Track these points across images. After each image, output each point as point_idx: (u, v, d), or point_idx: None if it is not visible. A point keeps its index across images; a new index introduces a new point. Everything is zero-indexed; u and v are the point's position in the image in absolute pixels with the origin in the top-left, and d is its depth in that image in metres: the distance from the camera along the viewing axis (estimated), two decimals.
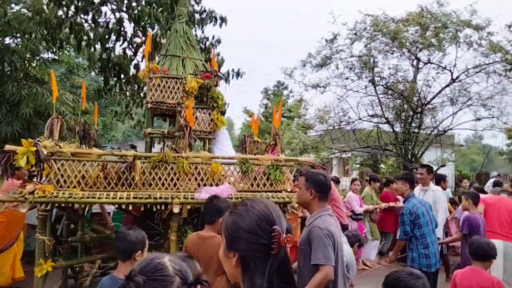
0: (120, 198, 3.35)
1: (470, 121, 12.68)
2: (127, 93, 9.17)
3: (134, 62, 8.29)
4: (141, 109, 8.85)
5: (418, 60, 12.32)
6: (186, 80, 4.14)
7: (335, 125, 12.95)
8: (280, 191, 3.88)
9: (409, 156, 12.35)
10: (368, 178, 8.27)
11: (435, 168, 13.14)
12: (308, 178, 2.65)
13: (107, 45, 7.95)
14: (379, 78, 12.41)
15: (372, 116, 13.08)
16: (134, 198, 3.37)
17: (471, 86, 12.30)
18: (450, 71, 11.95)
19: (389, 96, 12.83)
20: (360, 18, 11.74)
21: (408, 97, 12.11)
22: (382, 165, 14.09)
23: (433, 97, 12.38)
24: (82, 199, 3.27)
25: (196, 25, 8.22)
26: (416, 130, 12.42)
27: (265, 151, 4.41)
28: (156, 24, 7.67)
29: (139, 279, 1.06)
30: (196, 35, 8.08)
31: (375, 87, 12.38)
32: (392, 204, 7.27)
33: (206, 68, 4.61)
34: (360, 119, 12.99)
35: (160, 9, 7.75)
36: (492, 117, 12.39)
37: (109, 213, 5.94)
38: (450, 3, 11.56)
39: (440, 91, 12.25)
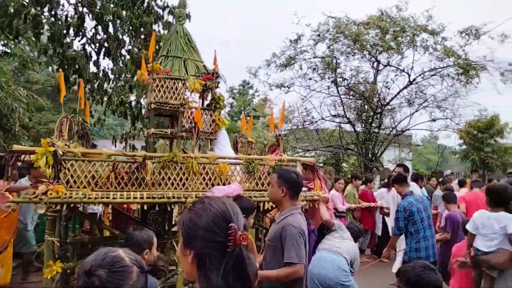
0: (134, 197, 3.36)
1: (426, 122, 13.32)
2: (86, 90, 8.81)
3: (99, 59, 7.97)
4: (101, 107, 8.54)
5: (378, 62, 12.75)
6: (188, 82, 4.18)
7: (298, 124, 13.14)
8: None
9: (370, 155, 12.76)
10: (349, 176, 8.57)
11: (393, 167, 13.69)
12: (280, 175, 2.67)
13: (65, 41, 7.59)
14: (341, 79, 12.73)
15: (335, 116, 13.39)
16: (147, 198, 3.39)
17: (427, 88, 12.93)
18: (408, 73, 12.47)
19: (351, 97, 13.19)
20: (323, 20, 12.00)
21: (368, 98, 12.51)
22: (344, 164, 14.46)
23: (392, 99, 12.86)
24: (96, 199, 3.26)
25: (159, 22, 8.03)
26: (376, 130, 12.86)
27: (268, 152, 4.48)
28: (118, 20, 7.43)
29: (101, 273, 1.07)
30: (158, 31, 7.92)
31: (337, 87, 12.68)
32: (373, 204, 7.56)
33: (206, 69, 4.65)
34: (323, 119, 13.28)
35: (121, 3, 7.50)
36: (446, 118, 13.08)
37: (96, 213, 5.85)
38: (408, 8, 12.06)
39: (398, 93, 12.75)
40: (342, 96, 12.97)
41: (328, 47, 11.96)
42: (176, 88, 4.19)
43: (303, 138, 14.04)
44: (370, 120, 12.88)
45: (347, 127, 13.63)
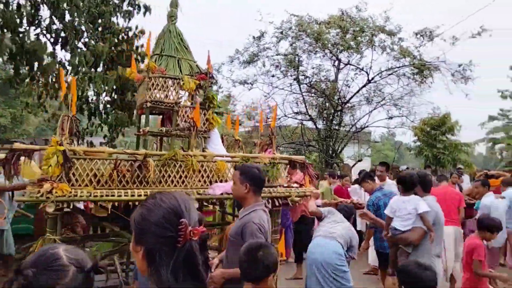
0: (139, 195, 3.38)
1: (384, 120, 13.85)
2: (40, 83, 8.34)
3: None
4: (56, 101, 8.12)
5: (339, 61, 13.07)
6: (183, 81, 4.24)
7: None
8: (276, 187, 4.11)
9: (330, 152, 13.08)
10: (327, 173, 8.79)
11: (353, 163, 14.13)
12: (242, 172, 2.66)
13: (19, 29, 7.12)
14: (303, 77, 12.93)
15: (297, 113, 13.60)
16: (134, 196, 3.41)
17: (385, 87, 13.45)
18: (367, 72, 12.89)
19: (313, 95, 13.44)
20: (286, 18, 12.11)
21: (329, 95, 12.80)
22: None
23: (352, 97, 13.24)
24: (102, 197, 3.30)
25: (118, 14, 7.76)
26: (336, 127, 13.19)
27: (261, 150, 4.57)
28: (76, 12, 7.08)
29: (28, 272, 1.04)
30: (117, 23, 7.67)
31: (299, 85, 12.87)
32: (348, 200, 7.72)
33: (199, 69, 4.69)
34: (285, 116, 13.42)
35: None
36: (402, 116, 13.68)
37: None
38: (368, 9, 12.44)
39: (357, 91, 13.14)
40: (304, 94, 13.18)
41: (291, 45, 12.11)
42: (171, 87, 4.25)
43: (266, 135, 14.15)
44: (331, 118, 13.18)
45: (309, 124, 13.89)
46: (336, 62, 13.25)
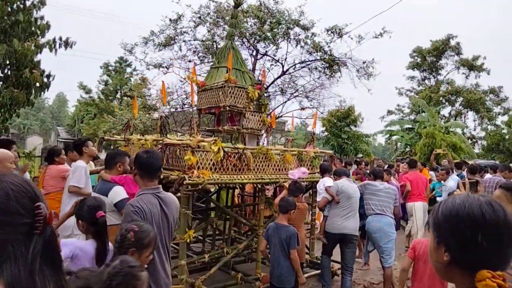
0: (250, 179, 4.66)
1: (297, 110, 14.53)
2: None
3: None
4: None
5: (257, 51, 13.29)
6: (249, 90, 5.31)
7: (177, 107, 12.91)
8: (315, 173, 5.64)
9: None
10: None
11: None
12: (135, 157, 2.71)
13: None
14: None
15: None
16: (256, 178, 4.71)
17: (298, 79, 14.08)
18: (282, 64, 13.34)
19: None
20: (204, 2, 11.91)
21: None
22: None
23: (267, 87, 13.61)
24: (230, 180, 4.42)
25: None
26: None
27: (305, 146, 5.90)
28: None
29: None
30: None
31: None
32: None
33: (253, 80, 5.89)
34: None
35: None
36: (313, 108, 14.51)
37: None
38: (284, 2, 12.81)
39: (273, 82, 13.56)
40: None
41: (209, 31, 11.96)
42: (240, 95, 5.28)
43: (182, 121, 13.89)
44: None
45: None
46: (254, 52, 13.46)
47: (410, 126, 24.17)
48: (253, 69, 13.57)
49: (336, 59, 13.03)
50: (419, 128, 20.56)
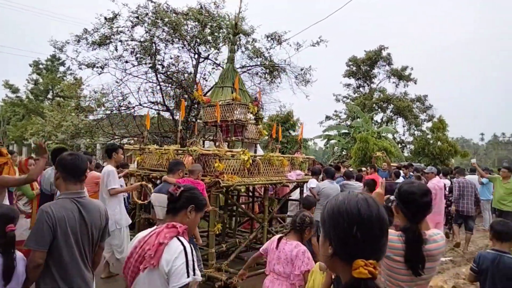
0: (263, 180, 5.70)
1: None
2: None
3: None
4: None
5: (199, 54, 13.18)
6: (250, 106, 6.49)
7: (113, 109, 12.37)
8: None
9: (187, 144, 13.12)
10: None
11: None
12: (57, 159, 2.55)
13: None
14: (161, 66, 12.59)
15: (153, 103, 13.18)
16: (266, 180, 5.79)
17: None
18: (223, 68, 13.33)
19: (170, 85, 13.23)
20: (142, 2, 11.56)
21: (187, 87, 12.81)
22: None
23: (209, 90, 13.54)
24: (253, 182, 5.54)
25: None
26: (194, 120, 13.31)
27: (294, 153, 7.15)
28: None
29: None
30: None
31: (156, 74, 12.50)
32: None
33: (250, 96, 6.93)
34: (140, 105, 12.86)
35: None
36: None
37: None
38: (225, 7, 12.86)
39: (214, 86, 13.49)
40: (161, 83, 12.87)
41: (147, 32, 11.62)
42: (244, 111, 6.37)
43: (119, 124, 13.32)
44: (188, 110, 13.22)
45: (167, 115, 13.65)
46: (196, 55, 13.33)
47: (346, 131, 25.48)
48: (195, 73, 13.43)
49: (275, 65, 13.34)
50: (354, 133, 21.75)
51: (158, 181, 6.00)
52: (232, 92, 6.43)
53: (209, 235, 5.17)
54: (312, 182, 6.56)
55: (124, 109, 12.61)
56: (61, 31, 13.55)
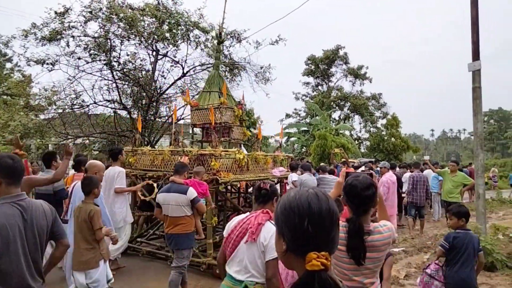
0: (252, 177, 6.30)
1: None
2: None
3: None
4: None
5: (157, 51, 12.89)
6: (236, 109, 6.94)
7: (66, 107, 11.80)
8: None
9: (145, 143, 12.81)
10: None
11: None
12: None
13: None
14: (117, 63, 12.18)
15: (109, 101, 12.74)
16: (256, 177, 6.30)
17: (200, 81, 14.03)
18: (182, 66, 13.16)
19: (127, 83, 12.84)
20: None
21: (145, 85, 12.49)
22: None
23: (167, 88, 13.31)
24: (245, 178, 6.20)
25: None
26: (152, 118, 13.01)
27: (275, 151, 7.80)
28: None
29: None
30: None
31: (112, 71, 12.08)
32: None
33: (234, 100, 7.43)
34: (95, 103, 12.38)
35: None
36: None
37: None
38: (184, 3, 12.66)
39: (173, 83, 13.30)
40: (117, 81, 12.45)
41: (101, 27, 11.20)
42: (230, 114, 6.81)
43: (72, 123, 12.74)
44: (146, 108, 12.91)
45: (124, 113, 13.23)
46: (153, 52, 13.03)
47: (306, 128, 26.01)
48: (153, 70, 13.12)
49: (235, 63, 13.34)
50: (313, 130, 22.25)
51: (158, 181, 6.43)
52: (219, 97, 6.96)
53: (207, 227, 5.62)
54: (293, 176, 7.24)
55: (77, 108, 12.07)
56: (4, 25, 12.72)
